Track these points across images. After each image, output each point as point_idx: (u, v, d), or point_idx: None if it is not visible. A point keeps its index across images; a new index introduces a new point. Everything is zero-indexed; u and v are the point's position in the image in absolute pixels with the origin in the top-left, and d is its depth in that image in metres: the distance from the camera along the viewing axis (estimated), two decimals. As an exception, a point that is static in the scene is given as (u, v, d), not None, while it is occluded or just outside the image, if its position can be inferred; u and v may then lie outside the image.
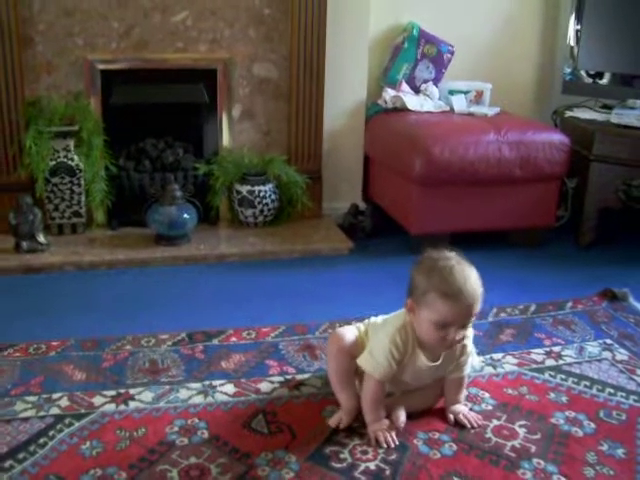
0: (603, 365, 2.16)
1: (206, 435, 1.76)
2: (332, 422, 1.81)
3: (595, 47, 3.33)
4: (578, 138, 3.10)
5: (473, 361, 1.88)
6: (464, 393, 1.90)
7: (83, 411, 1.84)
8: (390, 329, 1.76)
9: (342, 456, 1.70)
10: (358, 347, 1.83)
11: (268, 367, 2.09)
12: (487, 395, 1.98)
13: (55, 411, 1.84)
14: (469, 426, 1.82)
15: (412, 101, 3.33)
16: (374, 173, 3.42)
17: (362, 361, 1.78)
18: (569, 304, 2.56)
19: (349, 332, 1.89)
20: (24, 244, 2.82)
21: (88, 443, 1.72)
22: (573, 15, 3.33)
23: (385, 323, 1.83)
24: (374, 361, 1.75)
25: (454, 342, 1.70)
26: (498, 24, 3.63)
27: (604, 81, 3.35)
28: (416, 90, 3.46)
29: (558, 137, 3.04)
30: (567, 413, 1.90)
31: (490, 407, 1.92)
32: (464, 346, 1.79)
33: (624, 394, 2.00)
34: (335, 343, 1.88)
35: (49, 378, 1.99)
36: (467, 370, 1.85)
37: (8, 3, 2.79)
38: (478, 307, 1.66)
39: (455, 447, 1.75)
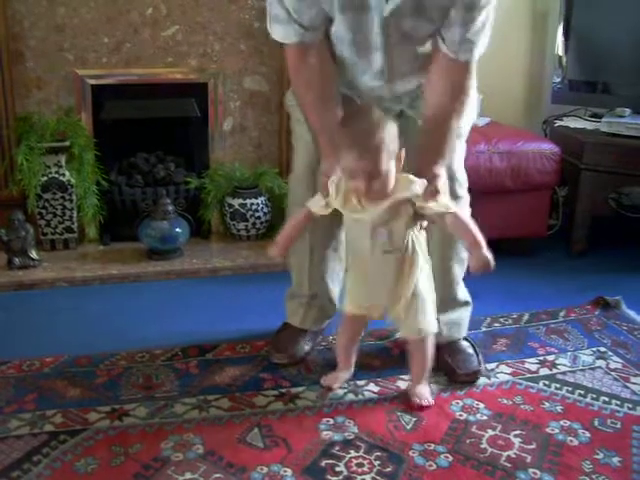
0: (597, 373, 2.16)
1: (201, 450, 1.76)
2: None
3: (584, 56, 3.35)
4: (568, 147, 3.12)
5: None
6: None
7: (77, 427, 1.84)
8: None
9: (338, 469, 1.70)
10: None
11: (263, 381, 2.09)
12: (482, 405, 1.98)
13: (49, 428, 1.83)
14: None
15: (403, 112, 3.33)
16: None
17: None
18: (562, 313, 2.57)
19: None
20: (16, 260, 2.81)
21: (83, 460, 1.71)
22: (561, 25, 3.35)
23: None
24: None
25: (366, 191, 1.74)
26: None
27: (593, 90, 3.37)
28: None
29: (548, 147, 3.05)
30: (562, 422, 1.91)
31: (485, 417, 1.92)
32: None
33: (618, 402, 2.01)
34: None
35: (43, 395, 1.98)
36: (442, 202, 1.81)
37: (-2, 19, 2.80)
38: (380, 158, 1.70)
39: (451, 458, 1.75)
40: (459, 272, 2.14)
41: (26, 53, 2.92)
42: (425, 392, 1.98)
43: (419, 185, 1.78)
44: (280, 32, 1.83)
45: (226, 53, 3.12)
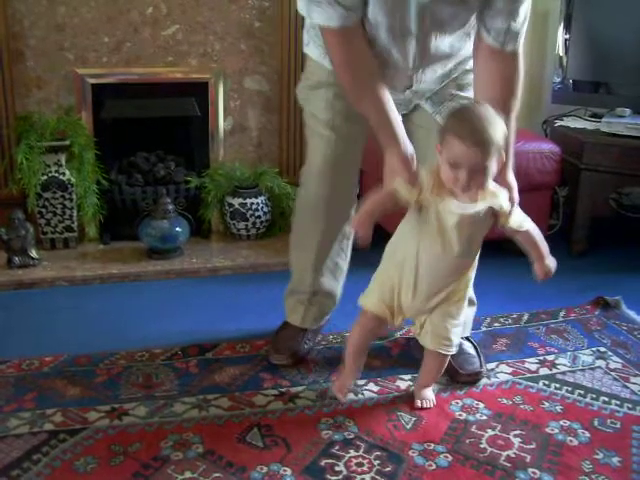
0: (597, 373, 2.17)
1: (201, 449, 1.76)
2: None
3: (584, 56, 3.35)
4: (568, 147, 3.12)
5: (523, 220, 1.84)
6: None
7: (77, 427, 1.84)
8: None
9: (337, 469, 1.70)
10: None
11: (262, 380, 2.09)
12: (482, 405, 1.98)
13: (49, 427, 1.83)
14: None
15: (403, 112, 3.33)
16: (367, 185, 3.41)
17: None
18: (562, 313, 2.57)
19: None
20: (16, 259, 2.81)
21: (82, 459, 1.71)
22: (562, 25, 3.35)
23: None
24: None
25: (465, 184, 1.70)
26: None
27: (593, 90, 3.37)
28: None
29: (549, 147, 3.05)
30: (562, 422, 1.91)
31: (485, 417, 1.92)
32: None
33: (618, 402, 2.01)
34: None
35: (42, 394, 1.98)
36: (521, 220, 1.83)
37: (-2, 19, 2.80)
38: (490, 153, 1.67)
39: (450, 458, 1.75)
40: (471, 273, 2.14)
41: (26, 52, 2.92)
42: (430, 395, 1.98)
43: (505, 197, 1.78)
44: (322, 15, 1.76)
45: (226, 53, 3.12)
